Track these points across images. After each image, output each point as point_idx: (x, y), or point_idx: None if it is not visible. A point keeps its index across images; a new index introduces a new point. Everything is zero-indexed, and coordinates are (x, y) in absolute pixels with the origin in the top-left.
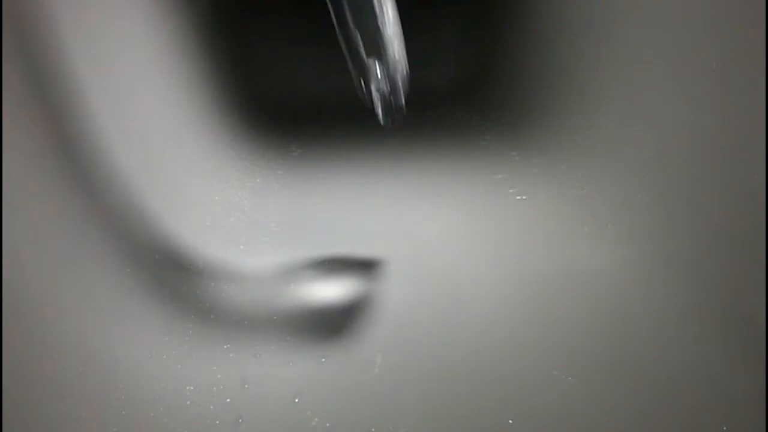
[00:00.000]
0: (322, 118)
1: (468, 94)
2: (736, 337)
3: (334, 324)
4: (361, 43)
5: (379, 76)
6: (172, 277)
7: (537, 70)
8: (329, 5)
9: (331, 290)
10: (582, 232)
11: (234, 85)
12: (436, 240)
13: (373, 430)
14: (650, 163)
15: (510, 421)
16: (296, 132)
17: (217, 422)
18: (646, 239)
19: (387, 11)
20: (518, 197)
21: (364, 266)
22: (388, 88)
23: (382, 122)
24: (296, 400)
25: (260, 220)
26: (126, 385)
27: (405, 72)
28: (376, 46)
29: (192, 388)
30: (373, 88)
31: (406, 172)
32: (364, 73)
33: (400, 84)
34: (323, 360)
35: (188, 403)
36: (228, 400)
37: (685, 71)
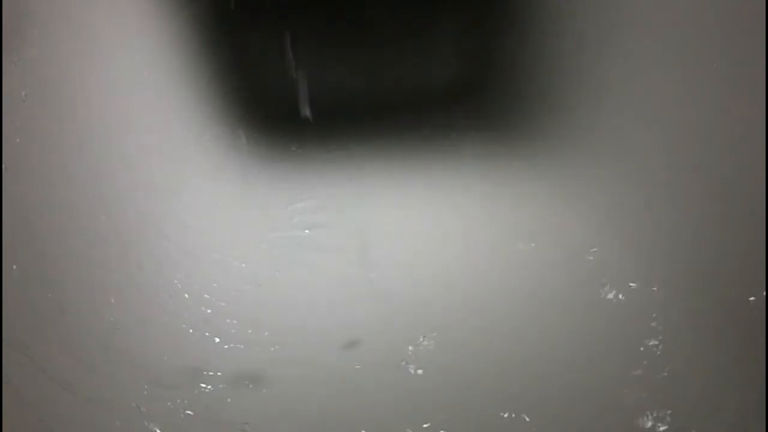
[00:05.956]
0: (322, 118)
1: (468, 94)
2: (736, 338)
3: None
4: None
5: None
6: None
7: (537, 70)
8: None
9: (327, 284)
10: (582, 230)
11: (234, 85)
12: (433, 236)
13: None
14: (651, 163)
15: (503, 414)
16: (296, 132)
17: None
18: (647, 238)
19: None
20: (519, 196)
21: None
22: None
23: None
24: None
25: (260, 217)
26: None
27: None
28: None
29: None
30: None
31: (404, 171)
32: None
33: None
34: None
35: None
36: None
37: (685, 70)
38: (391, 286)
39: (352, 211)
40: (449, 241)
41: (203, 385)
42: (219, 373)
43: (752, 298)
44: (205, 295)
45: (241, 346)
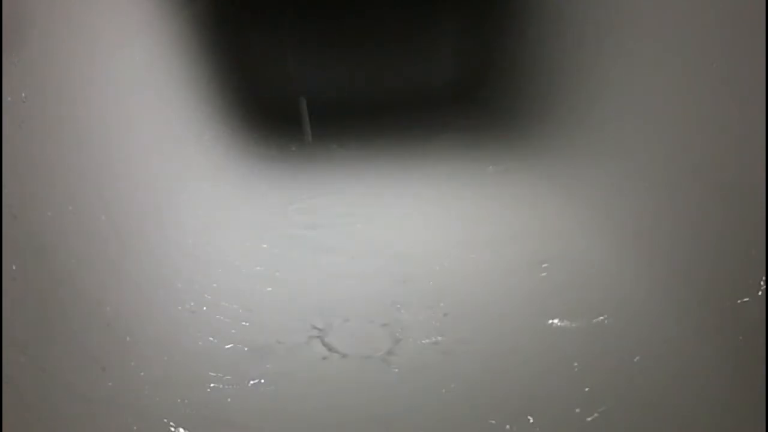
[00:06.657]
0: (321, 118)
1: (467, 94)
2: (736, 340)
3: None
4: None
5: None
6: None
7: (537, 70)
8: None
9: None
10: (580, 231)
11: (234, 85)
12: (433, 236)
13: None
14: (651, 164)
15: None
16: (295, 131)
17: None
18: (647, 237)
19: None
20: (519, 196)
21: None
22: None
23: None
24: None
25: (260, 217)
26: None
27: None
28: None
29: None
30: None
31: (405, 170)
32: None
33: None
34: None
35: None
36: None
37: (685, 70)
38: (391, 285)
39: (352, 211)
40: (449, 240)
41: (203, 385)
42: (219, 374)
43: (751, 299)
44: (206, 295)
45: (241, 346)
